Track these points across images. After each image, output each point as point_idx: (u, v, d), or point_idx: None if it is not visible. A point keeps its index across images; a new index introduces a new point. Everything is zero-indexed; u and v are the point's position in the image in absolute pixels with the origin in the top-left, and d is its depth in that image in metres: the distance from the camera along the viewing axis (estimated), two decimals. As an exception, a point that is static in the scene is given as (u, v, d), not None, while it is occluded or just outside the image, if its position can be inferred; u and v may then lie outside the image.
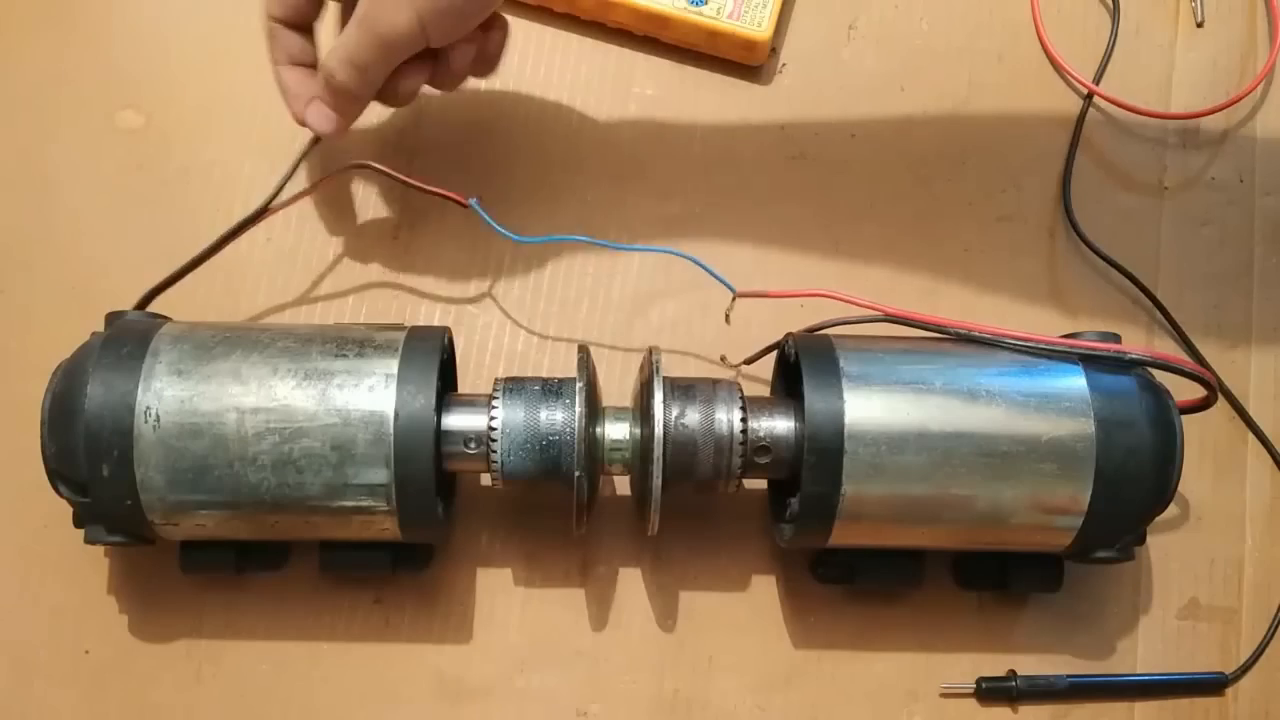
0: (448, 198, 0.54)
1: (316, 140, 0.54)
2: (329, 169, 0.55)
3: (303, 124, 0.53)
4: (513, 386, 0.49)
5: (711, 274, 0.53)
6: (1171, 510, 0.51)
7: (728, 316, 0.55)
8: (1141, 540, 0.50)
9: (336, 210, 0.59)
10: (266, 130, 0.59)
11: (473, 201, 0.54)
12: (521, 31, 0.61)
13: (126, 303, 0.51)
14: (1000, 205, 0.60)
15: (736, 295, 0.53)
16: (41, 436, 0.46)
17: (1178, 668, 0.55)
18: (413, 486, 0.46)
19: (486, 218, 0.54)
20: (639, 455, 0.49)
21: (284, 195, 0.54)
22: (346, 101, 0.52)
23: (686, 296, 0.58)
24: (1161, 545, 0.56)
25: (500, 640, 0.54)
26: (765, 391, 0.55)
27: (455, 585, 0.54)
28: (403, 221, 0.58)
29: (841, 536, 0.48)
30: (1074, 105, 0.62)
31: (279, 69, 0.54)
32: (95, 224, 0.58)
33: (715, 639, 0.54)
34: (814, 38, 0.62)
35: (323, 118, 0.53)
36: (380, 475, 0.46)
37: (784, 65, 0.62)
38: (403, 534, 0.48)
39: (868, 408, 0.46)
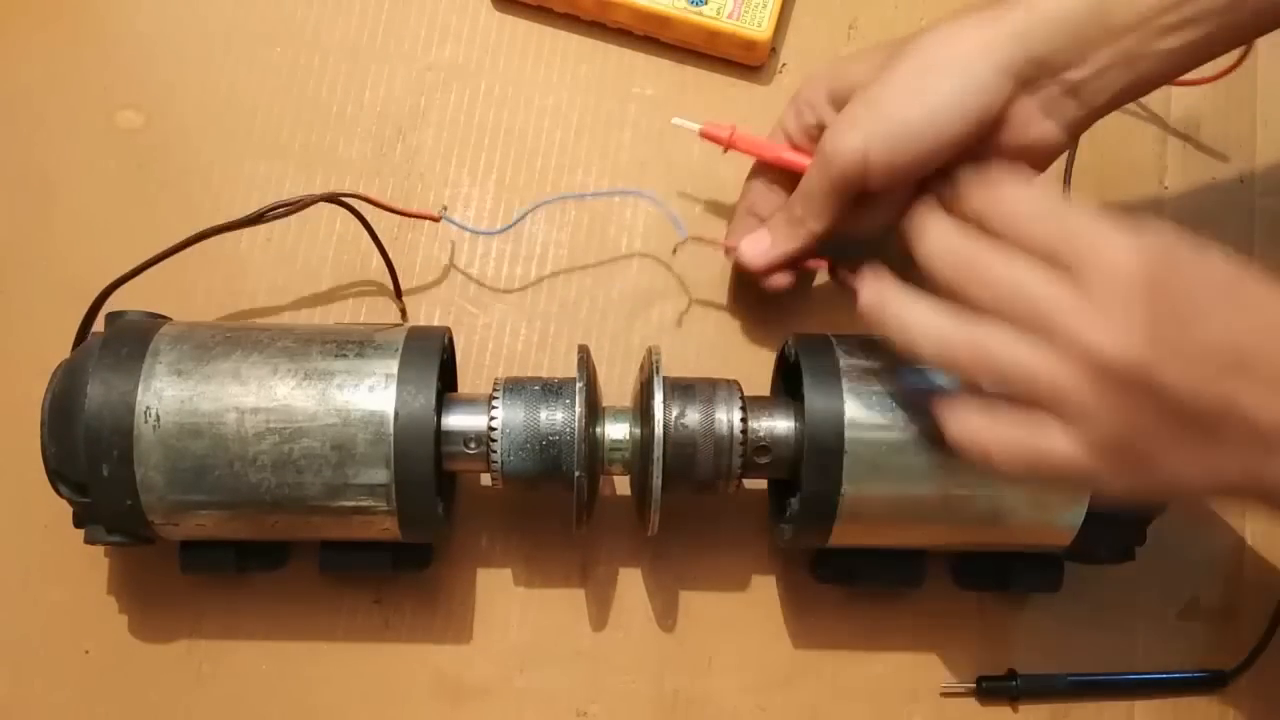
0: (419, 216, 0.55)
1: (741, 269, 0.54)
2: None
3: (729, 252, 0.55)
4: (513, 386, 0.49)
5: (669, 215, 0.55)
6: (1172, 510, 0.51)
7: (675, 250, 0.57)
8: (1142, 540, 0.50)
9: (336, 210, 0.59)
10: (266, 130, 0.59)
11: (444, 215, 0.55)
12: (521, 31, 0.61)
13: (127, 303, 0.51)
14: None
15: (686, 238, 0.56)
16: (41, 436, 0.46)
17: (1177, 667, 0.55)
18: (413, 486, 0.46)
19: (458, 224, 0.55)
20: (639, 455, 0.49)
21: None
22: (791, 234, 0.52)
23: (687, 296, 0.58)
24: (1161, 545, 0.56)
25: (500, 640, 0.54)
26: (765, 391, 0.55)
27: (455, 585, 0.54)
28: (403, 221, 0.58)
29: (841, 536, 0.48)
30: (1074, 105, 0.62)
31: (738, 213, 0.55)
32: (95, 224, 0.58)
33: (715, 639, 0.54)
34: (814, 38, 0.62)
35: (756, 248, 0.53)
36: (380, 475, 0.46)
37: (784, 65, 0.62)
38: (403, 534, 0.48)
39: (868, 408, 0.46)
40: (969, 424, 0.42)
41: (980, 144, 0.48)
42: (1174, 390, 0.38)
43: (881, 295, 0.44)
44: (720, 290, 0.58)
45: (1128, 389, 0.39)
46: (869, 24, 0.63)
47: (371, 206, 0.54)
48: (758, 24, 0.59)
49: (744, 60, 0.61)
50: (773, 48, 0.61)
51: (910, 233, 0.43)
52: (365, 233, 0.54)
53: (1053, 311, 0.39)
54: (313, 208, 0.58)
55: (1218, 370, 0.38)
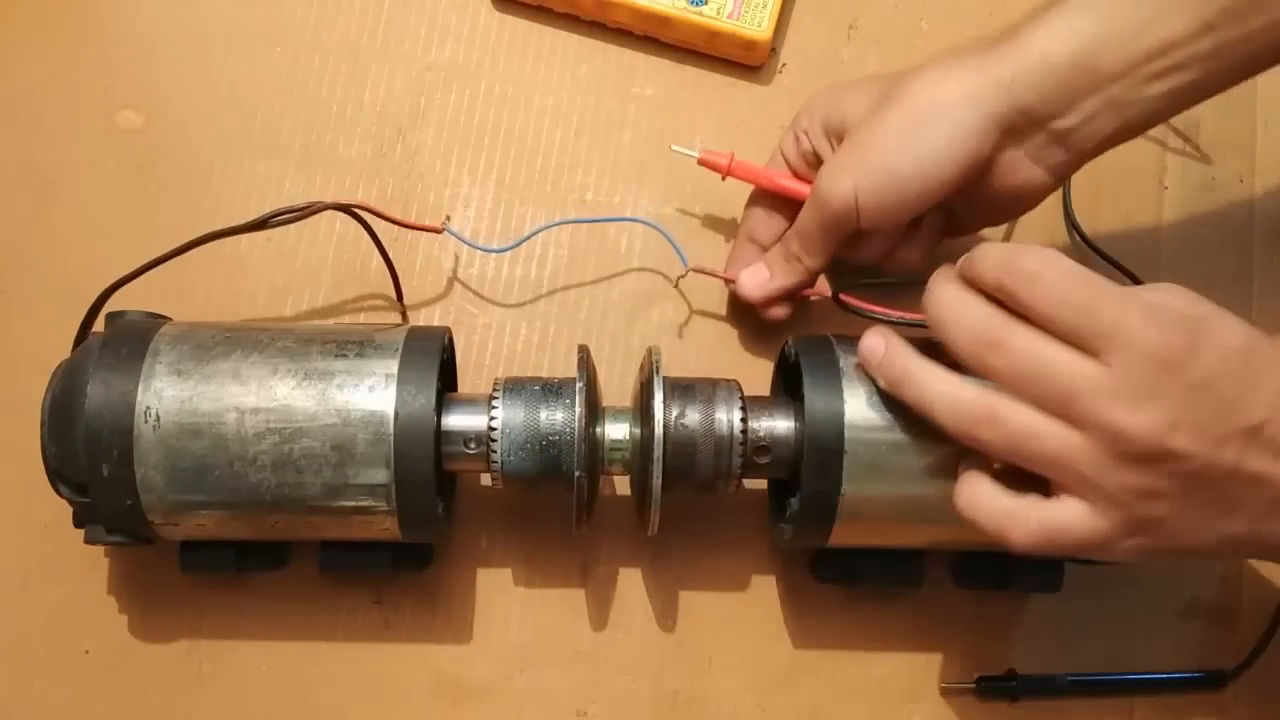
0: (422, 229, 0.55)
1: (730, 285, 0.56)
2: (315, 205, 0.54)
3: (729, 283, 0.55)
4: (513, 386, 0.49)
5: (671, 243, 0.55)
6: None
7: (678, 285, 0.57)
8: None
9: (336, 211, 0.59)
10: (266, 130, 0.59)
11: (446, 227, 0.55)
12: (521, 31, 0.61)
13: (127, 302, 0.51)
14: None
15: (689, 269, 0.55)
16: (41, 436, 0.46)
17: (1177, 667, 0.55)
18: (413, 486, 0.46)
19: (461, 238, 0.55)
20: (639, 455, 0.49)
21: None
22: (789, 269, 0.53)
23: (687, 297, 0.58)
24: (1161, 545, 0.56)
25: (500, 640, 0.54)
26: (765, 391, 0.55)
27: (455, 585, 0.54)
28: (403, 221, 0.59)
29: (841, 536, 0.48)
30: (1074, 105, 0.62)
31: (739, 239, 0.56)
32: (95, 224, 0.58)
33: (715, 639, 0.54)
34: (814, 38, 0.62)
35: (754, 281, 0.53)
36: (380, 475, 0.46)
37: (784, 65, 0.62)
38: (403, 534, 0.48)
39: (868, 408, 0.46)
40: (982, 498, 0.43)
41: (971, 185, 0.49)
42: (1192, 464, 0.39)
43: (896, 362, 0.44)
44: (720, 291, 0.58)
45: (1146, 465, 0.40)
46: (869, 24, 0.63)
47: (394, 249, 0.55)
48: (758, 24, 0.59)
49: (744, 60, 0.61)
50: (773, 48, 0.61)
51: (928, 305, 0.44)
52: (365, 233, 0.54)
53: (1074, 390, 0.40)
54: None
55: (1235, 443, 0.39)
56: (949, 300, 0.43)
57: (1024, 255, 0.42)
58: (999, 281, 0.42)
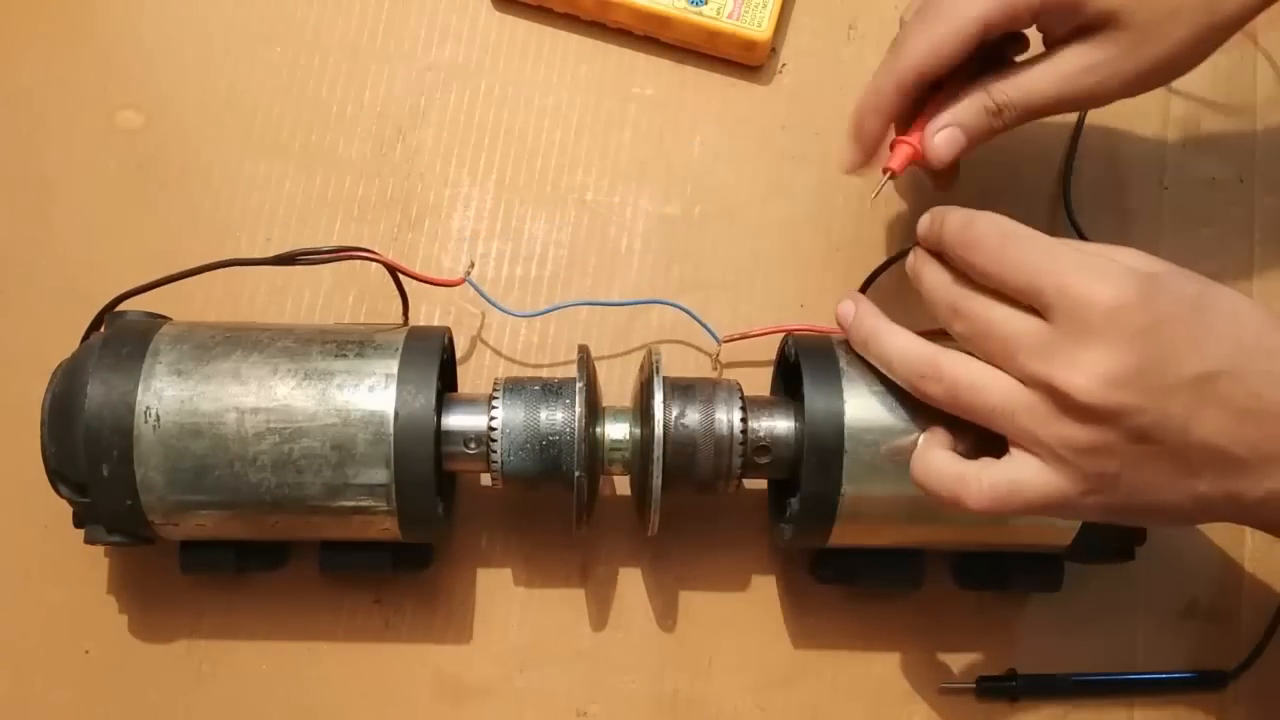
0: (443, 284, 0.55)
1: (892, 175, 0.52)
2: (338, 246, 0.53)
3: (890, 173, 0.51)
4: (513, 386, 0.49)
5: (699, 322, 0.55)
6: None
7: (715, 362, 0.57)
8: (1142, 540, 0.50)
9: (336, 210, 0.59)
10: (266, 130, 0.59)
11: (469, 279, 0.55)
12: (521, 31, 0.61)
13: (127, 302, 0.51)
14: (1000, 205, 0.60)
15: (722, 342, 0.55)
16: (41, 436, 0.46)
17: (1177, 667, 0.55)
18: (413, 486, 0.46)
19: (485, 295, 0.55)
20: (639, 455, 0.49)
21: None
22: (989, 122, 0.49)
23: (686, 297, 0.58)
24: (1161, 545, 0.56)
25: (500, 640, 0.54)
26: (765, 391, 0.55)
27: (455, 585, 0.54)
28: (404, 221, 0.58)
29: (841, 536, 0.48)
30: (1074, 105, 0.62)
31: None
32: (95, 224, 0.58)
33: (715, 639, 0.54)
34: (814, 38, 0.62)
35: (949, 143, 0.49)
36: (380, 475, 0.46)
37: (784, 65, 0.62)
38: (403, 534, 0.48)
39: (868, 408, 0.46)
40: (933, 464, 0.43)
41: None
42: (1141, 418, 0.39)
43: (864, 324, 0.46)
44: (721, 291, 0.58)
45: (1090, 419, 0.39)
46: (869, 24, 0.63)
47: (394, 249, 0.54)
48: (758, 24, 0.59)
49: (744, 60, 0.61)
50: (773, 48, 0.61)
51: (912, 276, 0.46)
52: (365, 233, 0.53)
53: (1016, 345, 0.41)
54: (313, 206, 0.58)
55: (1188, 400, 0.39)
56: (922, 272, 0.46)
57: (974, 223, 0.43)
58: (954, 250, 0.44)
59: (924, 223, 0.46)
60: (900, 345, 0.45)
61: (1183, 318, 0.39)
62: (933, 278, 0.45)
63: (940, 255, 0.45)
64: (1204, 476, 0.40)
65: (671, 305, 0.56)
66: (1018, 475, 0.41)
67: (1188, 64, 0.48)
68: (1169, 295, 0.40)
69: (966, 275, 0.44)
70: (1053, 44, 0.49)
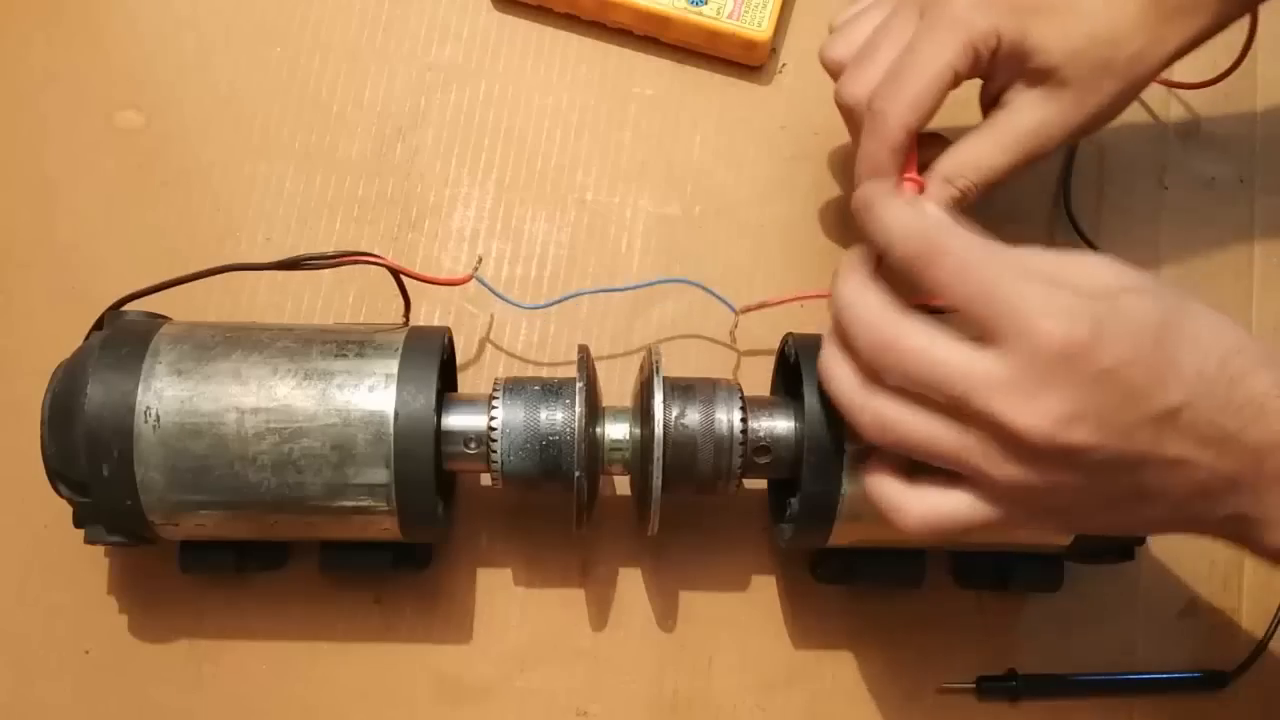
0: (451, 283, 0.55)
1: None
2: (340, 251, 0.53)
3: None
4: (513, 386, 0.49)
5: (713, 294, 0.55)
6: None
7: (732, 335, 0.56)
8: (1142, 540, 0.50)
9: (336, 210, 0.59)
10: (266, 130, 0.59)
11: (477, 275, 0.54)
12: (521, 31, 0.61)
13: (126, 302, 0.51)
14: (1000, 205, 0.60)
15: (738, 313, 0.55)
16: (41, 436, 0.46)
17: (1178, 667, 0.55)
18: (413, 486, 0.46)
19: (493, 290, 0.55)
20: (639, 455, 0.49)
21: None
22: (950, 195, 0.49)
23: (687, 296, 0.58)
24: (1161, 545, 0.56)
25: (500, 640, 0.54)
26: (765, 391, 0.55)
27: (455, 585, 0.54)
28: (404, 221, 0.58)
29: (841, 536, 0.48)
30: (1074, 105, 0.62)
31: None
32: (95, 224, 0.58)
33: (715, 639, 0.54)
34: (814, 38, 0.62)
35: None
36: (380, 475, 0.46)
37: (784, 65, 0.62)
38: (403, 534, 0.48)
39: (868, 408, 0.46)
40: (877, 484, 0.43)
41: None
42: (1097, 456, 0.38)
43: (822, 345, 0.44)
44: (720, 290, 0.58)
45: (1043, 460, 0.38)
46: (869, 24, 0.62)
47: (394, 249, 0.54)
48: (758, 24, 0.59)
49: (744, 60, 0.61)
50: (773, 48, 0.61)
51: (832, 304, 0.42)
52: (366, 233, 0.54)
53: (966, 388, 0.38)
54: (313, 207, 0.58)
55: (1146, 431, 0.38)
56: (847, 298, 0.42)
57: (935, 229, 0.40)
58: (905, 255, 0.40)
59: (864, 206, 0.42)
60: (841, 377, 0.42)
61: (1143, 354, 0.37)
62: (866, 304, 0.41)
63: (879, 261, 0.42)
64: (1161, 505, 0.39)
65: (682, 282, 0.56)
66: (952, 507, 0.40)
67: (1115, 114, 0.50)
68: (1128, 328, 0.37)
69: (899, 295, 0.41)
70: (992, 92, 0.50)
